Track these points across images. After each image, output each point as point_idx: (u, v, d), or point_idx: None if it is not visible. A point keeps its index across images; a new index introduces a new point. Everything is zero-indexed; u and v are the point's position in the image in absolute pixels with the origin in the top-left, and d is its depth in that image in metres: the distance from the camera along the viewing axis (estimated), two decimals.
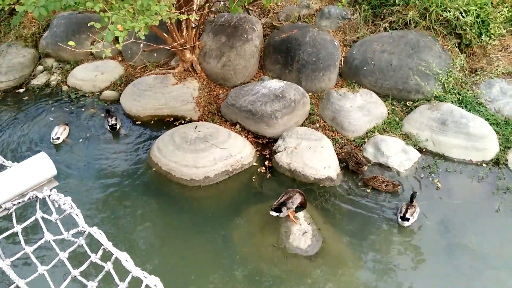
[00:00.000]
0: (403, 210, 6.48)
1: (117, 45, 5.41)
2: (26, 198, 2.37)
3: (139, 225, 6.82)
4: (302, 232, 6.37)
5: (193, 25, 9.11)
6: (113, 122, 8.66)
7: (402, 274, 5.96)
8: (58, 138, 8.55)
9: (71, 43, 5.34)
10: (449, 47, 8.74)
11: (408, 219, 6.38)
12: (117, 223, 6.82)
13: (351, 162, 7.34)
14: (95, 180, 7.64)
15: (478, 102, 8.11)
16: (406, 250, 6.26)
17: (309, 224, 6.50)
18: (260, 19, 10.19)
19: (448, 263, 6.07)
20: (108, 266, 2.05)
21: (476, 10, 8.54)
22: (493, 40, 8.64)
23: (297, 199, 6.45)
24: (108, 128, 8.67)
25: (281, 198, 6.49)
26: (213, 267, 6.15)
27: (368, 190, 7.12)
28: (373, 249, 6.28)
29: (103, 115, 9.01)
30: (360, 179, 7.31)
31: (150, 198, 7.28)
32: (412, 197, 6.58)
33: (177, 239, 6.58)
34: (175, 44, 8.53)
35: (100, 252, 2.08)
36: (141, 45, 9.14)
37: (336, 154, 7.64)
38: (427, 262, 6.10)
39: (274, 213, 6.38)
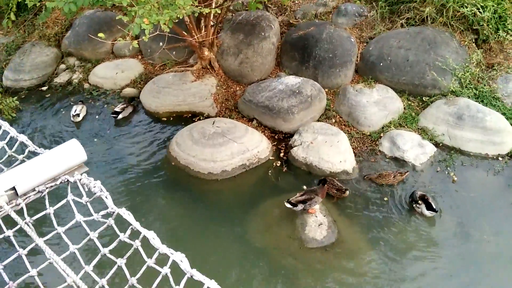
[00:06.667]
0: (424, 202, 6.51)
1: (143, 37, 5.58)
2: (58, 182, 2.51)
3: (158, 216, 7.00)
4: (317, 224, 6.47)
5: (212, 23, 9.28)
6: (116, 109, 9.06)
7: (416, 266, 6.02)
8: (78, 115, 8.92)
9: (100, 35, 5.56)
10: (466, 42, 8.75)
11: (436, 210, 6.43)
12: (136, 213, 6.97)
13: (331, 190, 6.98)
14: (114, 174, 7.85)
15: (495, 96, 8.11)
16: (421, 241, 6.31)
17: (324, 216, 6.60)
18: (277, 17, 10.31)
19: (463, 254, 6.11)
20: (137, 244, 2.19)
21: (493, 5, 8.52)
22: (511, 36, 8.61)
23: (317, 202, 6.55)
24: (112, 115, 9.09)
25: (301, 196, 6.58)
26: (230, 258, 6.28)
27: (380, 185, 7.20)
28: (388, 241, 6.35)
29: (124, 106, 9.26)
30: (367, 178, 7.31)
31: (168, 191, 7.45)
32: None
33: (195, 230, 6.74)
34: (194, 41, 8.70)
35: (128, 232, 2.22)
36: (160, 43, 9.38)
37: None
38: (442, 254, 6.14)
39: (288, 205, 6.51)
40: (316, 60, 9.02)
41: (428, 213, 6.44)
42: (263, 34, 9.42)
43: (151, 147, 8.40)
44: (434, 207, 6.41)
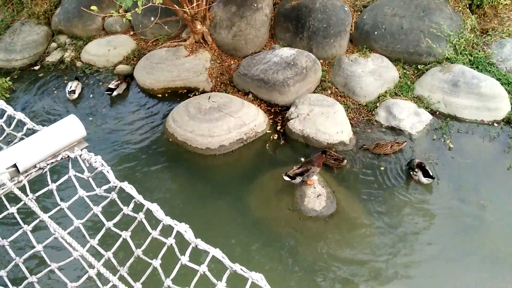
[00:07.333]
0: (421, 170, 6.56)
1: (136, 9, 5.50)
2: (59, 158, 2.50)
3: (157, 192, 7.03)
4: (316, 195, 6.53)
5: None
6: (110, 86, 8.99)
7: (414, 234, 6.11)
8: (73, 92, 8.87)
9: (93, 7, 5.46)
10: (460, 8, 8.69)
11: (433, 177, 6.49)
12: (136, 190, 7.00)
13: (329, 161, 7.03)
14: (111, 152, 7.84)
15: (490, 62, 8.10)
16: (419, 209, 6.39)
17: (323, 187, 6.65)
18: None
19: (460, 219, 6.21)
20: (140, 216, 2.20)
21: None
22: (504, 0, 8.56)
23: (314, 172, 6.58)
24: (107, 92, 9.01)
25: (298, 168, 6.61)
26: (231, 230, 6.35)
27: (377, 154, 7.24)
28: (386, 209, 6.43)
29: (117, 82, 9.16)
30: (364, 149, 7.33)
31: (167, 167, 7.47)
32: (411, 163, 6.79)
33: (195, 204, 6.79)
34: (186, 15, 8.58)
35: (131, 205, 2.22)
36: (152, 18, 9.26)
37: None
38: (440, 220, 6.23)
39: (287, 178, 6.55)
40: (310, 31, 8.94)
41: (425, 180, 6.50)
42: (255, 5, 9.30)
43: (148, 124, 8.38)
44: (431, 174, 6.47)
